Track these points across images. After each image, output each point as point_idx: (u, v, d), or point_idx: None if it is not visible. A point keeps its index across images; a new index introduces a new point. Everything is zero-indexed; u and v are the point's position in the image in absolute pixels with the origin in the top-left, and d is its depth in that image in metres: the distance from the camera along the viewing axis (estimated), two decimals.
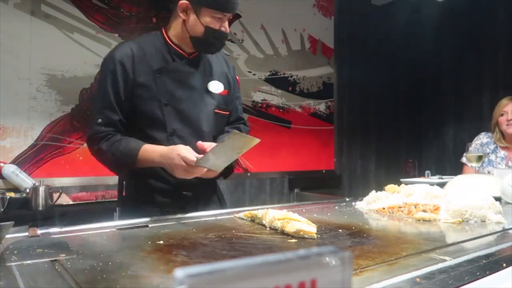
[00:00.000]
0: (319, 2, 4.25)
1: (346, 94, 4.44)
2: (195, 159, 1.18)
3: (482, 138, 2.74)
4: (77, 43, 2.90)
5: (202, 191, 1.51)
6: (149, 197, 1.45)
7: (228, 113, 1.58)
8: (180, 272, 0.29)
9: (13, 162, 2.63)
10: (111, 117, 1.39)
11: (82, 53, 2.92)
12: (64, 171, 2.82)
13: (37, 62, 2.74)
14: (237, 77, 1.66)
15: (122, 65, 1.38)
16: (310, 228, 0.94)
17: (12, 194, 2.35)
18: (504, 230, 1.05)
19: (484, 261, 0.74)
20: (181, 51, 1.47)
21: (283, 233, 0.98)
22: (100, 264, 0.72)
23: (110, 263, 0.72)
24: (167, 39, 1.47)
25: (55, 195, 2.36)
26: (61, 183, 2.74)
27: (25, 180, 2.52)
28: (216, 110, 1.51)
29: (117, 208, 1.54)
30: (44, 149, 2.77)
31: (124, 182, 1.53)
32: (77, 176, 2.86)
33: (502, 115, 2.61)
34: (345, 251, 0.36)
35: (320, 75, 4.25)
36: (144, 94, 1.40)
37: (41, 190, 2.30)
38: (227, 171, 1.49)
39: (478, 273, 0.67)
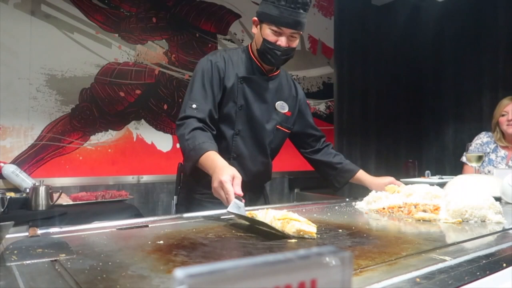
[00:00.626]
0: (319, 2, 4.25)
1: (346, 94, 4.44)
2: (232, 195, 1.13)
3: (483, 138, 2.74)
4: (77, 43, 2.90)
5: (250, 190, 1.64)
6: (200, 190, 1.61)
7: (289, 131, 1.76)
8: (180, 272, 0.29)
9: (13, 162, 2.63)
10: (204, 104, 1.52)
11: (82, 53, 2.92)
12: (64, 171, 2.82)
13: (37, 62, 2.74)
14: (308, 102, 1.90)
15: (216, 66, 1.58)
16: (310, 228, 0.94)
17: (12, 194, 2.35)
18: (504, 230, 1.05)
19: (484, 261, 0.74)
20: (261, 67, 1.64)
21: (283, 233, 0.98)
22: (100, 264, 0.72)
23: (110, 263, 0.72)
24: (251, 53, 1.65)
25: (55, 195, 2.36)
26: (61, 183, 2.75)
27: (25, 180, 2.52)
28: (278, 126, 1.69)
29: (175, 197, 1.74)
30: (44, 149, 2.77)
31: (181, 175, 1.71)
32: (77, 176, 2.86)
33: (502, 115, 2.62)
34: (345, 251, 0.36)
35: (320, 75, 4.25)
36: (227, 94, 1.58)
37: (41, 190, 2.29)
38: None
39: (478, 273, 0.67)
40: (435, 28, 4.77)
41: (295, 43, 1.56)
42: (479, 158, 2.20)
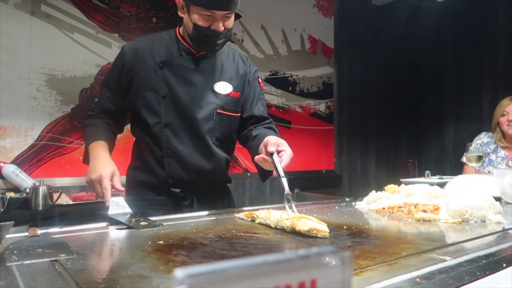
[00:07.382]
0: (319, 2, 4.25)
1: (346, 94, 4.44)
2: (109, 192, 1.21)
3: (483, 138, 2.74)
4: (77, 43, 2.90)
5: (205, 191, 1.52)
6: (138, 191, 1.52)
7: (237, 115, 1.55)
8: (180, 272, 0.29)
9: (13, 162, 2.63)
10: (106, 100, 1.51)
11: (82, 53, 2.92)
12: (64, 171, 2.82)
13: (37, 62, 2.74)
14: (259, 79, 1.64)
15: (123, 57, 1.48)
16: (323, 227, 0.93)
17: (12, 194, 2.35)
18: (504, 230, 1.05)
19: (484, 261, 0.74)
20: (190, 48, 1.47)
21: (284, 233, 0.98)
22: (100, 264, 0.72)
23: (110, 263, 0.72)
24: (178, 35, 1.50)
25: (55, 195, 2.36)
26: (61, 183, 2.74)
27: (25, 180, 2.52)
28: (218, 110, 1.48)
29: None
30: (44, 149, 2.76)
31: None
32: (77, 176, 2.86)
33: (503, 115, 2.62)
34: (345, 251, 0.36)
35: (320, 75, 4.25)
36: (143, 85, 1.45)
37: (41, 190, 2.29)
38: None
39: (478, 273, 0.67)
40: (435, 28, 4.77)
41: (231, 23, 1.40)
42: (479, 158, 2.20)
